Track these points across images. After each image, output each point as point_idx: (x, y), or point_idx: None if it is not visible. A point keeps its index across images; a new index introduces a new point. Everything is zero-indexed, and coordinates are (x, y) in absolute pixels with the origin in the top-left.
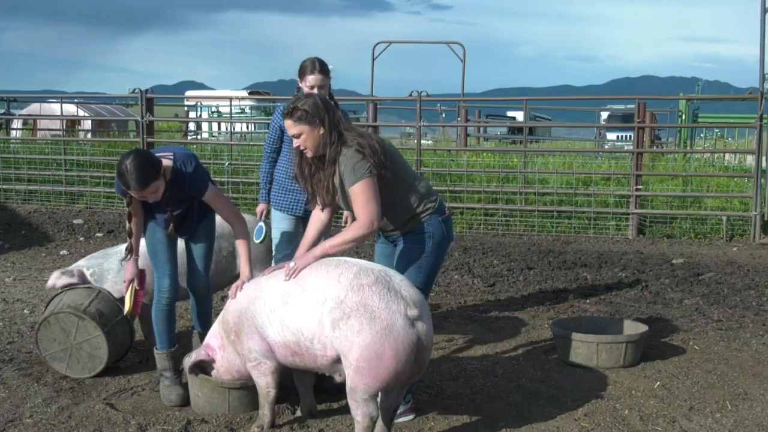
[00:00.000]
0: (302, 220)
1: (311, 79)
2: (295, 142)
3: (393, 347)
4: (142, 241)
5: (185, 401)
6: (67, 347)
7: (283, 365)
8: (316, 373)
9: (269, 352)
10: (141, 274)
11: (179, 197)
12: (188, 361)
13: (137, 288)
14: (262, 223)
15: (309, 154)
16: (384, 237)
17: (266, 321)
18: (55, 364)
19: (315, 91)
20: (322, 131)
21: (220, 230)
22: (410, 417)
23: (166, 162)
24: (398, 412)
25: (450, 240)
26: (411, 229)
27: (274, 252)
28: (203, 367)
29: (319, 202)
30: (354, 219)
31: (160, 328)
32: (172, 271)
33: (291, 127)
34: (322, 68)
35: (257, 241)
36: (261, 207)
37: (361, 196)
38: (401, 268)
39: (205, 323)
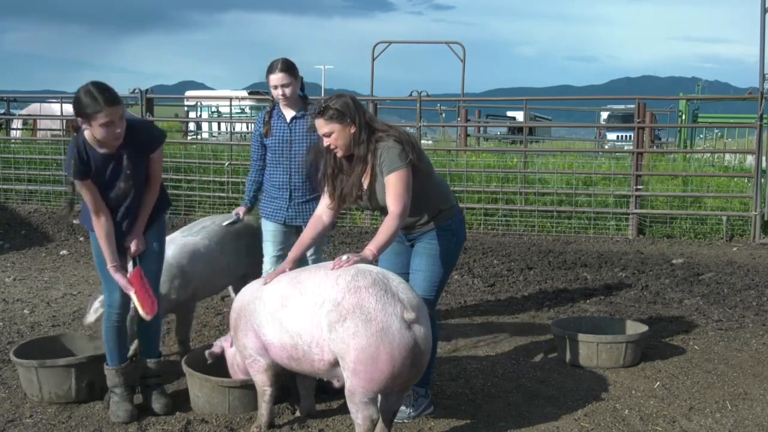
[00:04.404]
0: (285, 228)
1: (273, 78)
2: (326, 141)
3: (388, 350)
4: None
5: (134, 417)
6: None
7: (281, 367)
8: None
9: (263, 350)
10: (132, 278)
11: (138, 147)
12: (208, 352)
13: (136, 289)
14: (236, 215)
15: (339, 153)
16: (402, 235)
17: (263, 322)
18: None
19: (279, 90)
20: (353, 130)
21: (220, 231)
22: (431, 409)
23: None
24: (422, 409)
25: (464, 240)
26: (436, 225)
27: (264, 260)
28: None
29: (336, 202)
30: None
31: (111, 344)
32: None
33: (322, 126)
34: (284, 66)
35: (224, 224)
36: (240, 208)
37: (397, 185)
38: (424, 263)
39: (154, 348)
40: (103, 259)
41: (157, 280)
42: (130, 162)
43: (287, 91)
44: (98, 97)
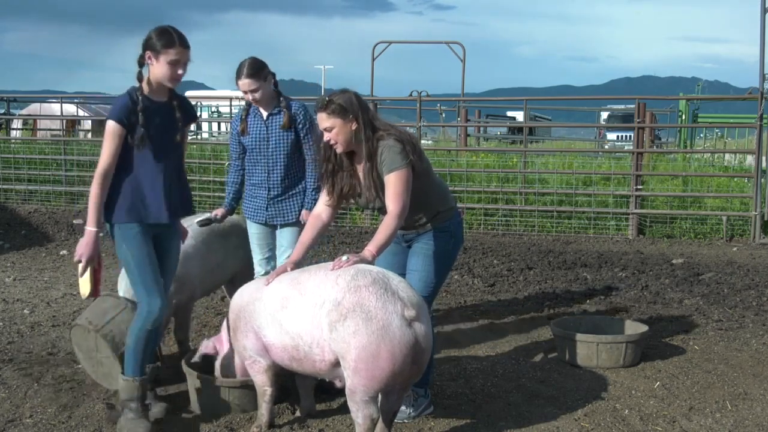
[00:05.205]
0: (268, 227)
1: (241, 84)
2: (326, 136)
3: (389, 348)
4: None
5: None
6: (91, 358)
7: (281, 367)
8: None
9: (263, 351)
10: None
11: (184, 108)
12: (196, 353)
13: (96, 267)
14: (209, 214)
15: (339, 149)
16: (399, 235)
17: (263, 323)
18: (85, 365)
19: (249, 95)
20: (354, 126)
21: (204, 230)
22: (431, 409)
23: None
24: (422, 409)
25: (462, 242)
26: (434, 227)
27: (254, 263)
28: (210, 361)
29: (336, 199)
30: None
31: (138, 353)
32: (162, 290)
33: (324, 120)
34: (249, 72)
35: (196, 222)
36: (219, 210)
37: (396, 185)
38: (420, 263)
39: (149, 355)
40: (144, 267)
41: (171, 279)
42: (181, 115)
43: (257, 95)
44: (174, 34)
